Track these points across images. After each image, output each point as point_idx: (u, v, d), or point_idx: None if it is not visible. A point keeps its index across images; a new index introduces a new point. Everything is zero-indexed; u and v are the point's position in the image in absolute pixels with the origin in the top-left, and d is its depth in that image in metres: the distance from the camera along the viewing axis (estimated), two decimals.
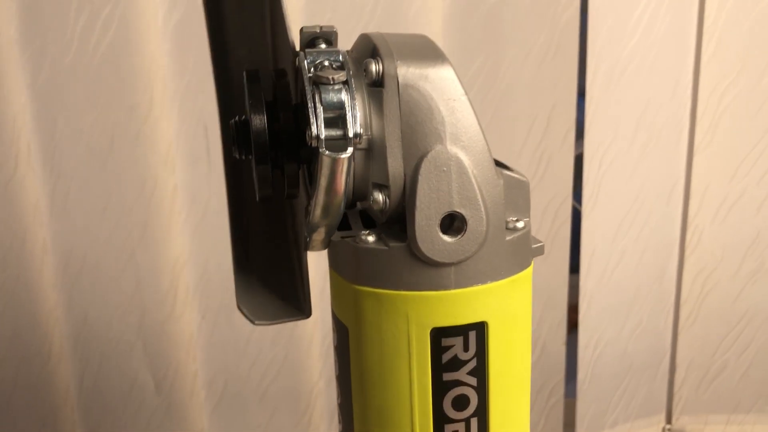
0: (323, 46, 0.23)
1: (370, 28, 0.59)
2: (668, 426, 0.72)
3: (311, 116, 0.22)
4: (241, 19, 0.25)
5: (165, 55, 0.58)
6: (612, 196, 0.64)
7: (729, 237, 0.67)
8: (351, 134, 0.22)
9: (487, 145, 0.25)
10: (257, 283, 0.27)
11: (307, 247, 0.25)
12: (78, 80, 0.59)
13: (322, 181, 0.22)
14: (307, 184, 0.25)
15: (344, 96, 0.23)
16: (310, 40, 0.23)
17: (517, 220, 0.26)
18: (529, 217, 0.26)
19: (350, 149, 0.22)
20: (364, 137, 0.23)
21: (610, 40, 0.60)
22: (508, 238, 0.26)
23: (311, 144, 0.22)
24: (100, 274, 0.64)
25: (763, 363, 0.70)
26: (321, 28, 0.23)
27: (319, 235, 0.24)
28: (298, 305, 0.27)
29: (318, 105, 0.22)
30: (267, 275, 0.27)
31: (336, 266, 0.26)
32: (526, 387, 0.27)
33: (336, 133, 0.22)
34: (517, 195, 0.26)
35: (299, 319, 0.27)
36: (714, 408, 0.71)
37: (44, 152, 0.60)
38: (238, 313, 0.66)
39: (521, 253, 0.26)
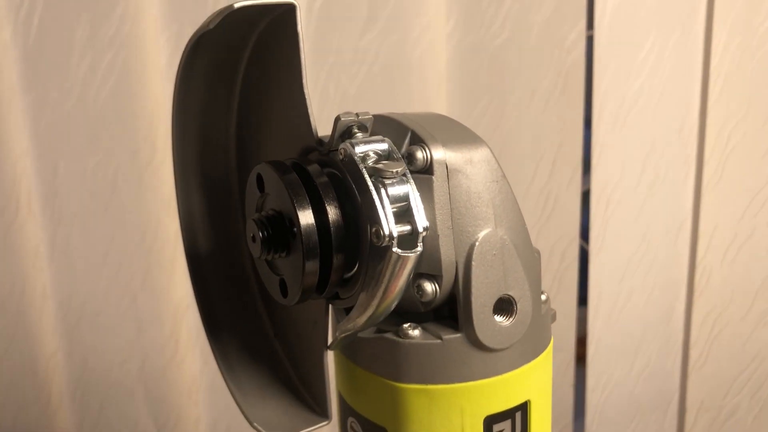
0: (360, 134, 0.22)
1: (374, 72, 0.59)
2: None
3: (380, 213, 0.21)
4: (211, 98, 0.24)
5: (168, 100, 0.57)
6: (619, 236, 0.63)
7: (739, 277, 0.66)
8: (420, 229, 0.21)
9: (525, 224, 0.24)
10: (251, 387, 0.26)
11: (330, 347, 0.24)
12: (80, 126, 0.58)
13: (387, 280, 0.21)
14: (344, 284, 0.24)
15: (408, 188, 0.21)
16: (347, 128, 0.22)
17: (542, 293, 0.25)
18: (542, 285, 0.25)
19: (420, 246, 0.21)
20: (427, 232, 0.22)
21: (615, 80, 0.60)
22: (542, 312, 0.25)
23: (381, 243, 0.21)
24: (100, 319, 0.63)
25: None
26: (358, 115, 0.22)
27: (351, 335, 0.23)
28: (315, 409, 0.26)
29: (386, 201, 0.21)
30: (256, 375, 0.26)
31: (364, 363, 0.24)
32: None
33: (405, 229, 0.21)
34: (538, 268, 0.25)
35: (321, 426, 0.26)
36: None
37: (45, 198, 0.60)
38: None
39: (548, 325, 0.25)
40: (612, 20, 0.59)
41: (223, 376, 0.26)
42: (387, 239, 0.20)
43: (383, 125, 0.23)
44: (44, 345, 0.63)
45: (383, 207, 0.20)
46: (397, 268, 0.20)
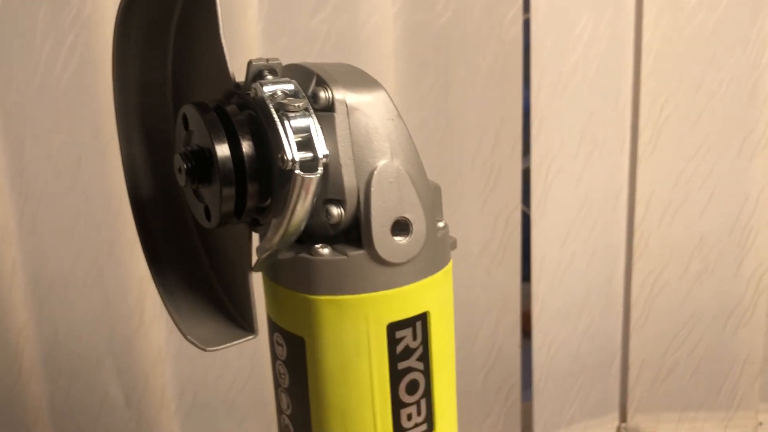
0: (270, 76, 0.25)
1: (326, 51, 0.62)
2: (623, 424, 0.75)
3: (284, 142, 0.24)
4: (145, 54, 0.28)
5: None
6: (559, 204, 0.67)
7: (675, 240, 0.70)
8: (321, 155, 0.25)
9: (419, 157, 0.27)
10: (188, 310, 0.29)
11: (254, 268, 0.27)
12: (44, 104, 0.61)
13: (293, 201, 0.24)
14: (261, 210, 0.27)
15: (309, 121, 0.25)
16: (259, 71, 0.25)
17: (439, 221, 0.28)
18: (443, 217, 0.29)
19: (320, 168, 0.24)
20: (327, 159, 0.25)
21: (552, 57, 0.64)
22: (438, 235, 0.28)
23: (285, 167, 0.24)
24: (69, 291, 0.66)
25: (712, 360, 0.73)
26: (267, 60, 0.26)
27: (270, 255, 0.26)
28: (239, 324, 0.29)
29: (289, 131, 0.24)
30: (193, 301, 0.29)
31: (284, 281, 0.28)
32: (454, 368, 0.30)
33: (307, 155, 0.25)
34: (437, 199, 0.29)
35: (247, 339, 0.29)
36: (666, 406, 0.74)
37: (12, 174, 0.62)
38: None
39: (446, 247, 0.29)
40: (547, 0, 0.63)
41: (164, 302, 0.29)
42: (290, 163, 0.24)
43: (294, 72, 0.26)
44: (15, 317, 0.65)
45: (287, 136, 0.24)
46: (301, 189, 0.24)
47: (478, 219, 0.67)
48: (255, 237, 0.28)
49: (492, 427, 0.72)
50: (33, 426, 0.67)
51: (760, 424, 0.74)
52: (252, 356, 0.69)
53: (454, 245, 0.30)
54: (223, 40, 0.25)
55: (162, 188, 0.29)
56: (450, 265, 0.29)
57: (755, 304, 0.71)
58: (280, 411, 0.30)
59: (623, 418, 0.75)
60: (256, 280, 0.29)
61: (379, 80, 0.63)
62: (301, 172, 0.24)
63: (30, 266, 0.65)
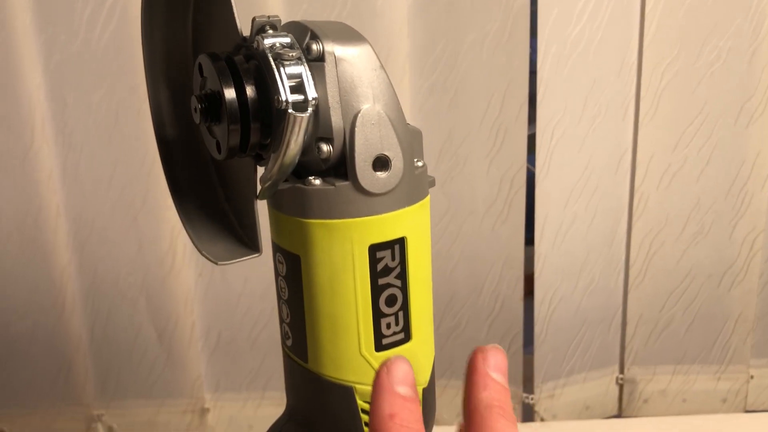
0: (271, 30, 0.30)
1: (343, 16, 0.67)
2: (621, 376, 0.80)
3: (279, 85, 0.29)
4: (169, 9, 0.33)
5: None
6: (563, 166, 0.71)
7: (673, 203, 0.74)
8: (310, 98, 0.30)
9: (399, 104, 0.32)
10: (205, 233, 0.34)
11: (259, 197, 0.33)
12: (85, 63, 0.66)
13: (287, 137, 0.29)
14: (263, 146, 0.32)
15: (301, 68, 0.30)
16: (261, 26, 0.30)
17: (418, 161, 0.33)
18: (423, 159, 0.34)
19: (310, 109, 0.29)
20: (317, 101, 0.30)
21: (558, 25, 0.67)
22: (415, 173, 0.33)
23: (280, 107, 0.29)
24: (107, 236, 0.72)
25: (706, 317, 0.77)
26: (269, 17, 0.30)
27: (272, 185, 0.31)
28: (247, 245, 0.35)
29: (284, 76, 0.29)
30: (210, 226, 0.35)
31: (283, 208, 0.33)
32: (430, 289, 0.35)
33: (299, 97, 0.29)
34: (417, 141, 0.33)
35: (253, 257, 0.35)
36: (662, 359, 0.79)
37: (56, 127, 0.68)
38: (231, 271, 0.75)
39: (423, 184, 0.33)
40: None
41: (183, 225, 0.34)
42: (284, 104, 0.28)
43: (293, 27, 0.31)
44: (59, 257, 0.72)
45: (282, 80, 0.28)
46: (294, 126, 0.29)
47: (485, 179, 0.71)
48: (260, 171, 0.33)
49: None
50: (74, 355, 0.75)
51: (752, 377, 0.78)
52: (273, 299, 0.74)
53: (432, 183, 0.35)
54: (233, 1, 0.30)
55: (183, 128, 0.35)
56: (427, 200, 0.34)
57: (748, 265, 0.75)
58: (281, 320, 0.35)
59: (622, 370, 0.80)
60: (262, 209, 0.34)
61: (393, 45, 0.67)
62: (294, 112, 0.28)
63: (72, 211, 0.71)
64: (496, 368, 0.28)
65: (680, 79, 0.70)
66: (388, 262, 0.33)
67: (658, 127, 0.72)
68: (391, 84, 0.31)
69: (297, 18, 0.66)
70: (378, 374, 0.27)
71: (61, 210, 0.71)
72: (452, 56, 0.69)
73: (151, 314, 0.74)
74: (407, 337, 0.35)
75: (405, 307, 0.34)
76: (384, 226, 0.32)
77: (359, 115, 0.30)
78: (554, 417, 0.78)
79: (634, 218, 0.74)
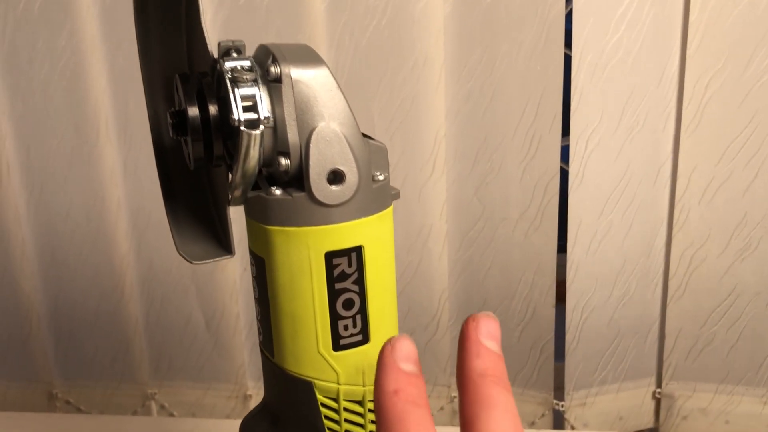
0: (235, 54, 0.34)
1: (383, 24, 0.69)
2: (658, 390, 0.78)
3: (233, 105, 0.32)
4: (164, 29, 0.36)
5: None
6: (598, 174, 0.71)
7: (716, 217, 0.72)
8: (262, 117, 0.33)
9: (356, 121, 0.34)
10: (190, 234, 0.38)
11: (230, 203, 0.36)
12: None
13: (242, 152, 0.33)
14: (227, 158, 0.35)
15: (255, 90, 0.33)
16: (226, 50, 0.34)
17: (380, 174, 0.35)
18: (388, 172, 0.36)
19: (261, 126, 0.33)
20: (270, 119, 0.33)
21: (594, 33, 0.67)
22: (374, 186, 0.35)
23: (233, 125, 0.32)
24: (162, 228, 0.78)
25: (752, 337, 0.75)
26: (233, 41, 0.34)
27: (238, 193, 0.35)
28: (224, 248, 0.38)
29: (237, 97, 0.32)
30: (195, 228, 0.38)
31: (252, 215, 0.36)
32: (393, 293, 0.37)
33: (251, 116, 0.33)
34: (379, 156, 0.35)
35: (227, 257, 0.38)
36: (703, 377, 0.77)
37: (119, 127, 0.75)
38: None
39: (383, 196, 0.36)
40: None
41: (170, 227, 0.38)
42: (236, 122, 0.32)
43: (261, 51, 0.34)
44: (119, 246, 0.78)
45: (235, 100, 0.32)
46: (246, 142, 0.32)
47: (518, 186, 0.72)
48: None
49: (527, 378, 0.78)
50: (132, 337, 0.81)
51: None
52: None
53: (396, 196, 0.37)
54: (204, 24, 0.33)
55: (180, 141, 0.38)
56: (389, 210, 0.36)
57: None
58: (256, 317, 0.39)
59: (659, 384, 0.78)
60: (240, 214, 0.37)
61: (429, 54, 0.69)
62: (246, 129, 0.31)
63: (131, 204, 0.77)
64: (488, 336, 0.27)
65: (726, 90, 0.68)
66: (344, 269, 0.35)
67: (701, 139, 0.70)
68: (347, 104, 0.34)
69: (335, 28, 0.69)
70: (382, 351, 0.27)
71: (122, 203, 0.77)
72: (488, 64, 0.70)
73: (200, 303, 0.80)
74: (365, 339, 0.37)
75: (363, 311, 0.36)
76: (339, 235, 0.35)
77: (314, 132, 0.33)
78: (585, 426, 0.78)
79: (674, 230, 0.73)
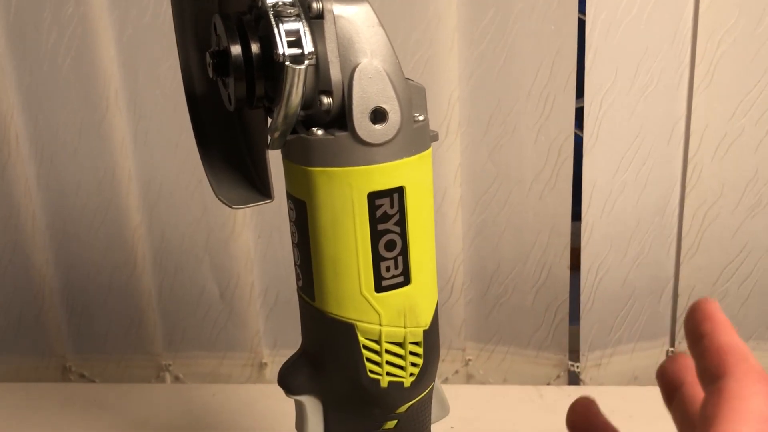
0: None
1: None
2: (672, 349, 0.79)
3: (278, 40, 0.32)
4: None
5: None
6: (612, 134, 0.71)
7: (728, 174, 0.72)
8: (306, 51, 0.32)
9: (398, 59, 0.34)
10: (226, 180, 0.38)
11: (269, 147, 0.36)
12: (154, 36, 0.71)
13: (286, 88, 0.32)
14: (266, 99, 0.35)
15: (299, 25, 0.33)
16: None
17: (419, 115, 0.35)
18: (426, 114, 0.36)
19: (306, 62, 0.32)
20: (314, 54, 0.33)
21: None
22: (414, 126, 0.35)
23: (278, 60, 0.32)
24: (173, 199, 0.78)
25: (762, 293, 0.75)
26: None
27: (279, 135, 0.34)
28: (262, 193, 0.38)
29: (282, 32, 0.32)
30: (231, 174, 0.38)
31: (292, 157, 0.36)
32: (432, 236, 0.37)
33: (296, 51, 0.32)
34: (419, 97, 0.35)
35: (266, 202, 0.38)
36: None
37: (128, 97, 0.74)
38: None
39: (423, 137, 0.35)
40: None
41: (206, 172, 0.38)
42: (282, 57, 0.31)
43: None
44: (131, 218, 0.78)
45: (280, 36, 0.31)
46: (292, 78, 0.31)
47: (532, 147, 0.72)
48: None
49: (541, 340, 0.78)
50: (145, 309, 0.81)
51: None
52: None
53: (435, 138, 0.37)
54: None
55: (209, 84, 0.38)
56: (428, 152, 0.36)
57: None
58: (294, 262, 0.39)
59: (672, 343, 0.79)
60: (277, 158, 0.37)
61: (442, 14, 0.69)
62: (291, 64, 0.31)
63: (142, 176, 0.77)
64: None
65: (738, 46, 0.68)
66: (387, 210, 0.35)
67: (713, 96, 0.70)
68: (389, 41, 0.34)
69: None
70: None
71: (133, 174, 0.77)
72: (501, 25, 0.69)
73: (214, 273, 0.80)
74: (407, 281, 0.37)
75: (404, 252, 0.36)
76: (382, 175, 0.34)
77: (357, 69, 0.33)
78: (601, 385, 0.79)
79: (688, 189, 0.73)
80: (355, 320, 0.36)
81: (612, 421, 0.28)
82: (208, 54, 0.34)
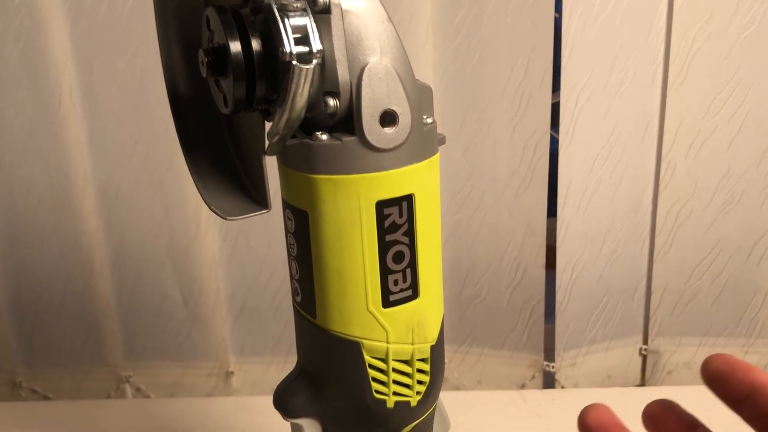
0: None
1: None
2: (644, 346, 0.79)
3: (284, 37, 0.29)
4: None
5: None
6: (588, 132, 0.70)
7: (701, 171, 0.72)
8: (315, 50, 0.29)
9: (407, 57, 0.32)
10: (215, 189, 0.35)
11: (266, 152, 0.33)
12: (111, 29, 0.67)
13: (292, 89, 0.29)
14: (263, 101, 0.32)
15: (306, 20, 0.30)
16: None
17: (427, 117, 0.33)
18: (433, 115, 0.33)
19: (314, 61, 0.29)
20: (322, 52, 0.30)
21: None
22: (424, 129, 0.33)
23: (284, 59, 0.29)
24: (133, 202, 0.73)
25: (734, 289, 0.76)
26: None
27: (279, 140, 0.32)
28: (257, 202, 0.35)
29: (288, 28, 0.29)
30: (221, 182, 0.35)
31: (291, 164, 0.33)
32: (439, 246, 0.35)
33: (303, 49, 0.29)
34: (426, 98, 0.33)
35: (262, 213, 0.35)
36: (688, 331, 0.78)
37: (83, 94, 0.69)
38: (254, 237, 0.75)
39: (432, 141, 0.33)
40: None
41: (194, 181, 0.35)
42: (288, 55, 0.28)
43: None
44: (87, 223, 0.73)
45: (286, 32, 0.28)
46: (299, 78, 0.29)
47: (508, 145, 0.71)
48: (269, 127, 0.33)
49: (517, 340, 0.77)
50: (103, 318, 0.76)
51: None
52: None
53: (442, 141, 0.34)
54: None
55: (195, 84, 0.35)
56: (436, 157, 0.34)
57: None
58: (291, 276, 0.36)
59: (645, 341, 0.79)
60: (273, 166, 0.34)
61: (416, 8, 0.67)
62: (298, 63, 0.28)
63: (99, 177, 0.72)
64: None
65: (712, 44, 0.68)
66: (395, 219, 0.33)
67: (687, 94, 0.70)
68: (399, 38, 0.31)
69: None
70: None
71: (89, 175, 0.72)
72: (476, 20, 0.68)
73: (176, 279, 0.76)
74: (414, 294, 0.35)
75: (413, 264, 0.34)
76: (391, 183, 0.32)
77: (366, 68, 0.30)
78: (576, 386, 0.78)
79: (661, 186, 0.73)
80: (360, 338, 0.34)
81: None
82: (201, 51, 0.31)
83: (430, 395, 0.37)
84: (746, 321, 0.77)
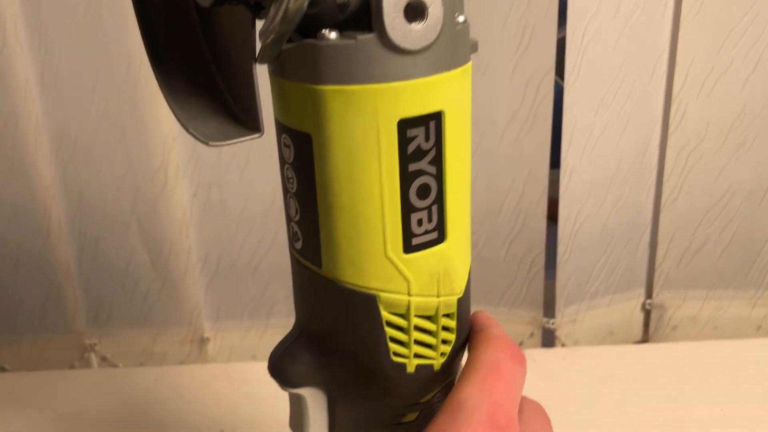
0: None
1: None
2: (649, 301, 0.74)
3: None
4: None
5: None
6: (594, 70, 0.64)
7: (714, 111, 0.67)
8: None
9: None
10: (195, 110, 0.28)
11: (257, 59, 0.26)
12: None
13: None
14: None
15: None
16: None
17: (458, 15, 0.26)
18: (465, 14, 0.27)
19: None
20: None
21: None
22: (456, 29, 0.26)
23: None
24: (92, 152, 0.66)
25: (744, 238, 0.71)
26: None
27: (274, 41, 0.25)
28: (246, 125, 0.28)
29: None
30: (200, 102, 0.28)
31: (289, 74, 0.26)
32: (469, 179, 0.29)
33: None
34: None
35: (253, 138, 0.28)
36: (694, 283, 0.73)
37: (31, 28, 0.61)
38: (228, 191, 0.68)
39: (465, 45, 0.27)
40: None
41: (166, 100, 0.28)
42: None
43: None
44: (41, 177, 0.66)
45: None
46: None
47: (508, 85, 0.65)
48: (260, 26, 0.26)
49: (515, 295, 0.72)
50: (63, 283, 0.69)
51: None
52: (276, 222, 0.69)
53: (474, 48, 0.28)
54: None
55: None
56: (469, 66, 0.27)
57: None
58: (289, 219, 0.29)
59: (649, 294, 0.75)
60: (264, 80, 0.27)
61: None
62: None
63: (53, 125, 0.65)
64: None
65: None
66: (421, 143, 0.26)
67: (701, 27, 0.64)
68: None
69: None
70: None
71: (41, 123, 0.64)
72: None
73: (143, 239, 0.69)
74: (441, 237, 0.29)
75: (440, 200, 0.28)
76: (418, 96, 0.25)
77: None
78: (576, 342, 0.74)
79: (671, 128, 0.68)
80: (377, 290, 0.28)
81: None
82: None
83: (456, 357, 0.31)
84: (756, 272, 0.73)
